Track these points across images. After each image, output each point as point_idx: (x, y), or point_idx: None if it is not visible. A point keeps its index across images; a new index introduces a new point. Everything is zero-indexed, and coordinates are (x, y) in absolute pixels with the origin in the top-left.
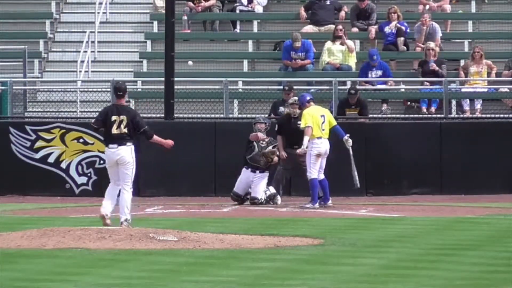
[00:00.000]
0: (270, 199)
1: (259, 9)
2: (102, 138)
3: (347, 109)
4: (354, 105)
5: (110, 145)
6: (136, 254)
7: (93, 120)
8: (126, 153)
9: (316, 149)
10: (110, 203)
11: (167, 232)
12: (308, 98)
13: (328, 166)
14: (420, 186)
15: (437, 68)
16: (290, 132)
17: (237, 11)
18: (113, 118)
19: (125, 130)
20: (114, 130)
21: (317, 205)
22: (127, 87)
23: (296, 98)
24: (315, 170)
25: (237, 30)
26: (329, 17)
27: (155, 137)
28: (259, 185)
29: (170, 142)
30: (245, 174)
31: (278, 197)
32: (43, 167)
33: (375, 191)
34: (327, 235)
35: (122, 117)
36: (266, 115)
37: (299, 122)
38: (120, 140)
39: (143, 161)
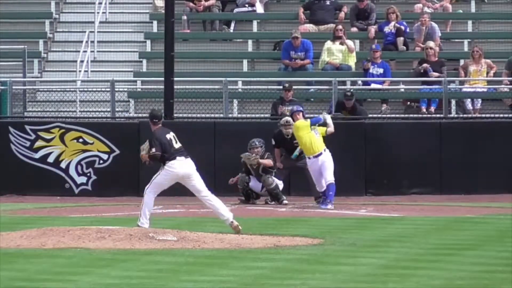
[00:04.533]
0: (276, 197)
1: (259, 8)
2: (161, 158)
3: (343, 111)
4: (349, 110)
5: (179, 158)
6: (136, 254)
7: (153, 150)
8: (192, 167)
9: (311, 167)
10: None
11: (166, 232)
12: (299, 109)
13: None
14: (419, 186)
15: (437, 74)
16: (286, 146)
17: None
18: (168, 136)
19: (180, 144)
20: (176, 145)
21: (330, 206)
22: (127, 87)
23: (288, 119)
24: (322, 180)
25: (231, 29)
26: (328, 17)
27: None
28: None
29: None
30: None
31: (284, 198)
32: (43, 166)
33: (375, 191)
34: (327, 235)
35: (171, 133)
36: (268, 116)
37: (295, 141)
38: (184, 152)
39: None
